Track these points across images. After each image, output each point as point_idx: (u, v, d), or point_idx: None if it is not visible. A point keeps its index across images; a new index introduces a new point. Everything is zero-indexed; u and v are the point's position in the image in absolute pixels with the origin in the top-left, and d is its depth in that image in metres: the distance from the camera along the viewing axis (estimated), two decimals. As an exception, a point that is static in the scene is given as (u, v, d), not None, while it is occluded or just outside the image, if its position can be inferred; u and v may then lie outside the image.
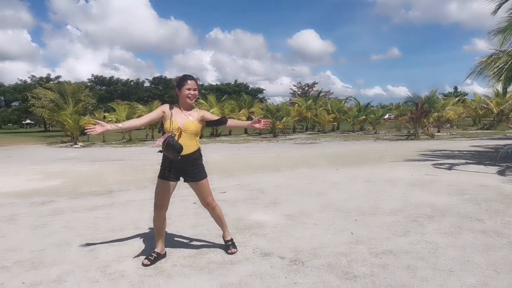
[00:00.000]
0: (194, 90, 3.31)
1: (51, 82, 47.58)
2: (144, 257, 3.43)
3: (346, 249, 3.64)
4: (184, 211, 5.32)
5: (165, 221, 3.50)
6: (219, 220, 3.69)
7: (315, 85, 53.84)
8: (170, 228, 4.43)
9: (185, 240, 4.02)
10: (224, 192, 6.63)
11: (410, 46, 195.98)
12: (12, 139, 30.39)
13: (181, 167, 3.32)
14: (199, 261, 3.43)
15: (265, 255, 3.55)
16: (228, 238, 3.70)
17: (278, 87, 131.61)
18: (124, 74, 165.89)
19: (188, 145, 3.25)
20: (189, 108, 3.36)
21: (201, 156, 3.42)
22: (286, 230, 4.29)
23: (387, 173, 8.49)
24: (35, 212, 5.48)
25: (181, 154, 3.18)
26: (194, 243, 3.93)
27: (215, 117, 3.45)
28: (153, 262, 3.35)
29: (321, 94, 39.64)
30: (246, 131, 31.88)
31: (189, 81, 3.29)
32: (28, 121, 72.27)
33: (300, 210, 5.20)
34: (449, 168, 8.95)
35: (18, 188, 7.91)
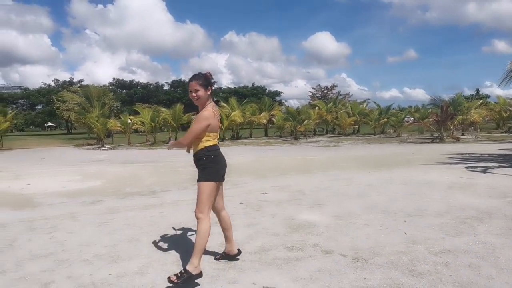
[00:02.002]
0: (195, 91, 3.15)
1: (74, 85, 48.85)
2: (213, 251, 3.63)
3: (405, 248, 3.77)
4: (233, 210, 5.51)
5: (222, 221, 3.47)
6: (199, 243, 3.09)
7: (334, 88, 53.73)
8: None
9: (245, 238, 4.20)
10: (266, 193, 6.82)
11: (427, 47, 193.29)
12: (39, 141, 31.20)
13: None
14: (265, 257, 3.62)
15: (326, 252, 3.71)
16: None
17: (293, 89, 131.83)
18: (140, 77, 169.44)
19: (194, 145, 3.21)
20: (201, 109, 3.23)
21: (205, 157, 3.15)
22: (339, 230, 4.44)
23: (421, 176, 8.53)
24: (91, 210, 5.77)
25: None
26: (254, 241, 4.11)
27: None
28: (222, 258, 3.55)
29: (340, 97, 39.51)
30: (266, 133, 32.08)
31: (189, 83, 3.20)
32: (49, 123, 74.04)
33: (346, 211, 5.34)
34: (484, 171, 8.94)
35: (63, 188, 8.25)
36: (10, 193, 7.75)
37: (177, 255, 3.68)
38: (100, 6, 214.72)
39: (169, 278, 2.95)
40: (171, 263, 3.48)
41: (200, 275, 3.02)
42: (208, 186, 3.14)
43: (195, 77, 3.18)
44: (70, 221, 5.10)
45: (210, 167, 3.15)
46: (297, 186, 7.57)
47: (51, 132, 62.21)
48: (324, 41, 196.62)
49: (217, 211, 3.45)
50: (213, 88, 3.29)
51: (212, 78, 3.29)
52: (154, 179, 9.37)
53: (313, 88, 56.25)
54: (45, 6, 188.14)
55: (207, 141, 3.15)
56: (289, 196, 6.52)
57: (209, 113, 3.12)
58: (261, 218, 5.05)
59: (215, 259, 3.55)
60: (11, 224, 4.97)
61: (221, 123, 3.48)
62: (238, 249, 3.58)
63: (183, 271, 2.97)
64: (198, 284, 3.02)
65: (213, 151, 3.18)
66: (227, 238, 3.51)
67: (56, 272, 3.31)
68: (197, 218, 3.14)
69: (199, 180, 3.17)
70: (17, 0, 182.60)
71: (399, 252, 3.65)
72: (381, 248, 3.78)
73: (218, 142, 3.30)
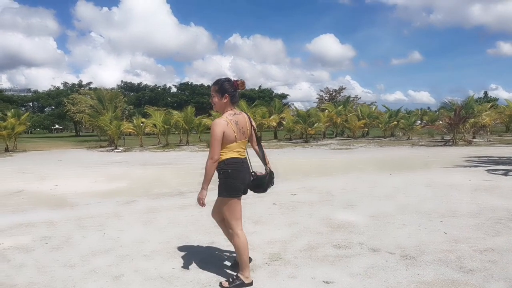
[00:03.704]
0: (212, 96, 3.13)
1: (83, 88, 49.45)
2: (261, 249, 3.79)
3: (449, 246, 3.91)
4: (269, 210, 5.69)
5: (225, 232, 3.35)
6: (240, 255, 3.10)
7: (343, 91, 53.96)
8: (268, 227, 4.82)
9: (290, 236, 4.35)
10: (295, 194, 6.97)
11: (432, 50, 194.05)
12: (50, 143, 31.54)
13: None
14: (315, 254, 3.77)
15: (373, 250, 3.86)
16: (238, 273, 3.13)
17: (297, 92, 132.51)
18: (145, 79, 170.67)
19: None
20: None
21: (223, 171, 3.01)
22: (379, 229, 4.58)
23: (444, 178, 8.64)
24: (131, 210, 5.95)
25: None
26: (300, 239, 4.26)
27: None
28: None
29: (349, 100, 39.61)
30: (275, 136, 32.24)
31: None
32: (56, 126, 74.71)
33: (379, 211, 5.48)
34: (505, 174, 9.03)
35: (92, 189, 8.44)
36: (43, 194, 7.94)
37: (230, 251, 3.83)
38: (105, 8, 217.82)
39: (220, 283, 3.08)
40: (228, 258, 3.64)
41: (251, 284, 3.07)
42: (227, 202, 3.05)
43: (214, 82, 3.13)
44: (115, 219, 5.28)
45: (228, 182, 3.01)
46: (323, 187, 7.71)
47: (59, 135, 62.86)
48: (328, 44, 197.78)
49: (220, 220, 3.31)
50: (232, 96, 3.05)
51: (237, 87, 3.08)
52: (178, 181, 9.55)
53: (321, 91, 56.58)
54: (50, 8, 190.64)
55: (225, 154, 2.98)
56: (319, 197, 6.66)
57: (221, 121, 2.95)
58: (299, 218, 5.20)
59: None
60: (59, 222, 5.17)
61: (254, 129, 3.23)
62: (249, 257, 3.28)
63: (235, 277, 3.07)
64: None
65: (232, 164, 2.99)
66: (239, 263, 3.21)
67: (122, 266, 3.48)
68: (232, 232, 3.12)
69: (218, 194, 3.10)
70: (23, 3, 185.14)
71: (445, 250, 3.79)
72: (425, 247, 3.92)
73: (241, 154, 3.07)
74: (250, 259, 3.36)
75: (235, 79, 3.09)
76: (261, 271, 3.37)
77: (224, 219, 3.20)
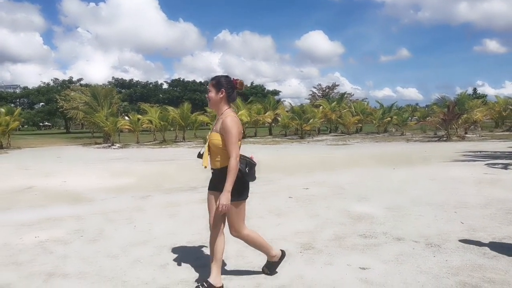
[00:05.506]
0: (208, 91, 3.00)
1: (73, 84, 48.92)
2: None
3: (468, 235, 4.13)
4: (286, 204, 5.86)
5: (213, 244, 3.09)
6: (259, 246, 3.20)
7: (336, 87, 54.47)
8: (290, 219, 5.00)
9: (315, 227, 4.53)
10: (307, 188, 7.16)
11: (419, 47, 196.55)
12: (43, 140, 31.14)
13: (213, 180, 3.07)
14: (344, 244, 3.96)
15: (398, 239, 4.06)
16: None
17: (287, 88, 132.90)
18: (133, 76, 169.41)
19: (214, 160, 2.94)
20: (219, 114, 2.98)
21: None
22: (399, 220, 4.79)
23: (445, 172, 8.92)
24: (152, 204, 6.07)
25: (212, 168, 2.99)
26: (325, 229, 4.45)
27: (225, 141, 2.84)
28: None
29: (344, 96, 39.95)
30: (270, 132, 32.44)
31: None
32: (45, 123, 73.67)
33: (393, 204, 5.69)
34: (505, 168, 9.36)
35: (101, 185, 8.50)
36: (54, 190, 7.98)
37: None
38: (92, 4, 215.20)
39: (263, 269, 3.28)
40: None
41: (284, 255, 3.27)
42: (238, 206, 2.94)
43: (212, 77, 3.05)
44: (140, 213, 5.40)
45: (239, 183, 2.85)
46: (332, 182, 7.91)
47: (49, 131, 61.99)
48: (318, 40, 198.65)
49: (214, 230, 3.08)
50: (228, 93, 2.95)
51: (235, 85, 2.99)
52: (186, 176, 9.65)
53: (314, 87, 56.96)
54: (36, 4, 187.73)
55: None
56: (331, 191, 6.86)
57: (233, 118, 2.87)
58: (318, 210, 5.39)
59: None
60: (86, 216, 5.27)
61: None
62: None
63: (266, 263, 3.28)
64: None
65: (240, 164, 2.88)
66: (212, 267, 3.04)
67: (164, 256, 3.63)
68: (242, 234, 3.06)
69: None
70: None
71: (465, 238, 4.01)
72: (446, 235, 4.14)
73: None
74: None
75: (235, 78, 3.03)
76: (298, 259, 3.54)
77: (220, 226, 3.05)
